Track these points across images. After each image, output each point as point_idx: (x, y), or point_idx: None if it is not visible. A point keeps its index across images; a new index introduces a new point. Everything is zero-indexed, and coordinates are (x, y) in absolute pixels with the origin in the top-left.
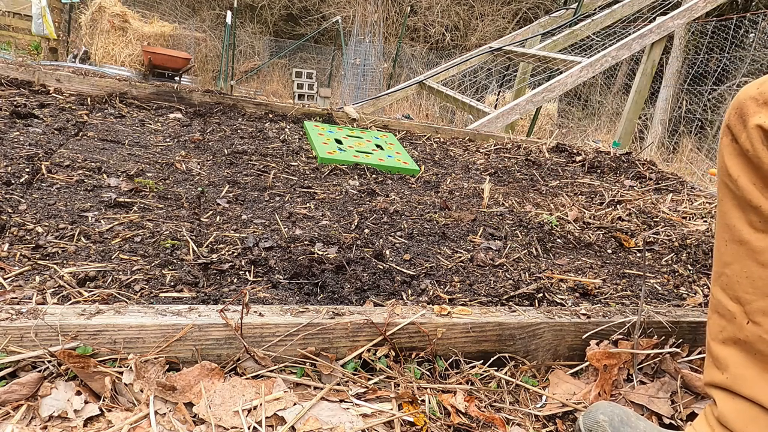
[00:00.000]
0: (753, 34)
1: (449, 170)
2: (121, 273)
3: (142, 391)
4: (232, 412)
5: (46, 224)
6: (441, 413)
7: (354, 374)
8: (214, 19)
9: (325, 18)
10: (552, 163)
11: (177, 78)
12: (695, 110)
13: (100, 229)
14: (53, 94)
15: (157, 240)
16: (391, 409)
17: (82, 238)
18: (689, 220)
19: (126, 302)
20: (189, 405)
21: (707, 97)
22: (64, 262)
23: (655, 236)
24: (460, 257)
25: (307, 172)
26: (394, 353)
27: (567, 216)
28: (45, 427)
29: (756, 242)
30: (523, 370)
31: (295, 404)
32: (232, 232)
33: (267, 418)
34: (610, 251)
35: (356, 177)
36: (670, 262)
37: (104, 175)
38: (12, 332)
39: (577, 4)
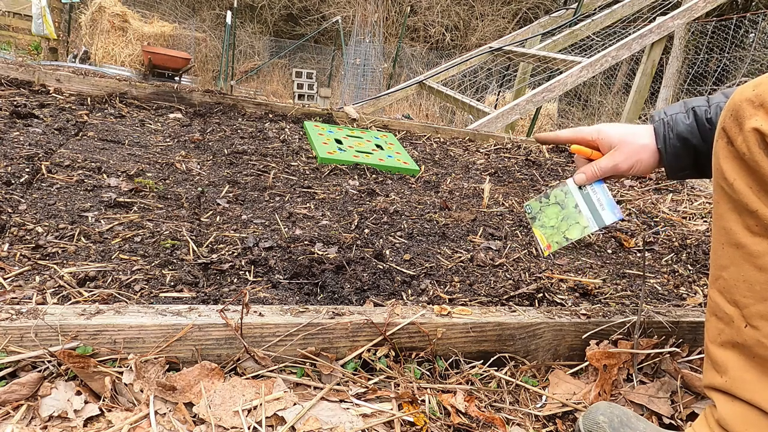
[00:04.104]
0: (753, 34)
1: (449, 170)
2: (121, 273)
3: (142, 391)
4: (232, 412)
5: (46, 224)
6: (441, 413)
7: (354, 374)
8: (214, 19)
9: (325, 18)
10: (552, 163)
11: (177, 78)
12: None
13: (100, 229)
14: (53, 94)
15: (157, 240)
16: (391, 409)
17: (82, 238)
18: (689, 220)
19: (126, 302)
20: (189, 405)
21: (707, 97)
22: (64, 262)
23: (655, 236)
24: (460, 257)
25: (307, 172)
26: (394, 353)
27: None
28: (45, 427)
29: (753, 246)
30: (523, 370)
31: (295, 404)
32: (232, 232)
33: (267, 418)
34: (610, 251)
35: (356, 177)
36: (670, 262)
37: (104, 175)
38: (12, 332)
39: (577, 4)
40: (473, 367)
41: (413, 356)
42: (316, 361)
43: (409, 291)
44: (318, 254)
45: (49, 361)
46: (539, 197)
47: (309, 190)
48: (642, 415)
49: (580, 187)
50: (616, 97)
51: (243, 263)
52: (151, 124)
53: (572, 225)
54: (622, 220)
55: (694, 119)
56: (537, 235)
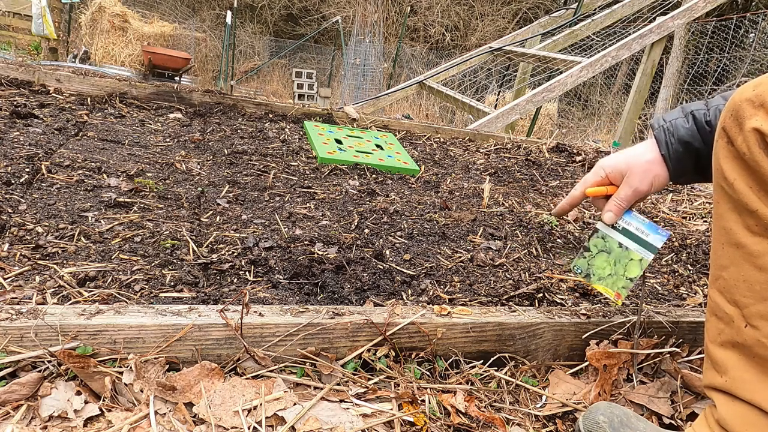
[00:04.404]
0: (753, 34)
1: (449, 170)
2: (121, 273)
3: (142, 391)
4: (232, 412)
5: (46, 224)
6: (441, 413)
7: (354, 374)
8: (214, 19)
9: (325, 18)
10: (552, 163)
11: (177, 78)
12: None
13: (100, 229)
14: (53, 94)
15: (157, 240)
16: (391, 409)
17: (82, 238)
18: (689, 220)
19: (126, 302)
20: (189, 405)
21: (707, 98)
22: (64, 262)
23: None
24: (460, 257)
25: (307, 172)
26: (394, 353)
27: (567, 216)
28: (45, 427)
29: (753, 246)
30: (523, 370)
31: (295, 404)
32: (232, 232)
33: (267, 418)
34: None
35: (356, 177)
36: (670, 262)
37: (104, 175)
38: (12, 332)
39: (577, 4)
40: (473, 367)
41: (413, 356)
42: (316, 361)
43: (409, 291)
44: (318, 254)
45: (49, 361)
46: (580, 254)
47: (309, 190)
48: (642, 415)
49: (612, 226)
50: (616, 97)
51: (243, 263)
52: (151, 124)
53: (628, 264)
54: (670, 237)
55: (694, 123)
56: (600, 290)
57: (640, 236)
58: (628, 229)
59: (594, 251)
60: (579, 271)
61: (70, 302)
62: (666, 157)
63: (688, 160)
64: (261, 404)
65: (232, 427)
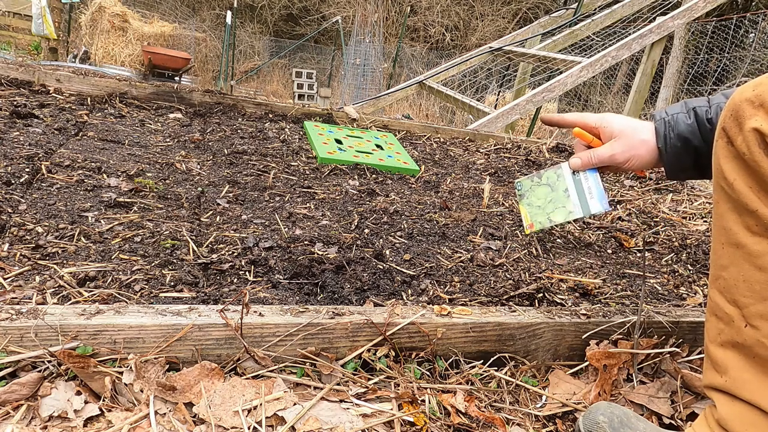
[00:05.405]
0: (753, 34)
1: (449, 170)
2: (121, 273)
3: (142, 391)
4: (232, 412)
5: (46, 224)
6: (441, 413)
7: (354, 374)
8: (214, 19)
9: (325, 18)
10: (552, 163)
11: (177, 78)
12: None
13: (100, 229)
14: (53, 94)
15: (157, 240)
16: (391, 409)
17: (82, 238)
18: (689, 220)
19: (126, 302)
20: (189, 405)
21: (707, 98)
22: (64, 262)
23: (655, 236)
24: (460, 257)
25: (307, 172)
26: (394, 353)
27: None
28: (45, 427)
29: (753, 246)
30: (523, 370)
31: (295, 404)
32: (232, 232)
33: (267, 418)
34: (610, 251)
35: (356, 177)
36: (670, 262)
37: (104, 175)
38: (12, 332)
39: (577, 4)
40: (473, 367)
41: (413, 356)
42: (316, 361)
43: (409, 291)
44: (318, 254)
45: (49, 361)
46: (531, 176)
47: (309, 190)
48: (642, 415)
49: (573, 173)
50: (616, 97)
51: (243, 263)
52: (151, 124)
53: (558, 208)
54: (609, 212)
55: (695, 119)
56: (522, 212)
57: (585, 194)
58: (582, 183)
59: (543, 181)
60: (519, 187)
61: (70, 302)
62: (662, 151)
63: (686, 157)
64: (261, 404)
65: (232, 427)
